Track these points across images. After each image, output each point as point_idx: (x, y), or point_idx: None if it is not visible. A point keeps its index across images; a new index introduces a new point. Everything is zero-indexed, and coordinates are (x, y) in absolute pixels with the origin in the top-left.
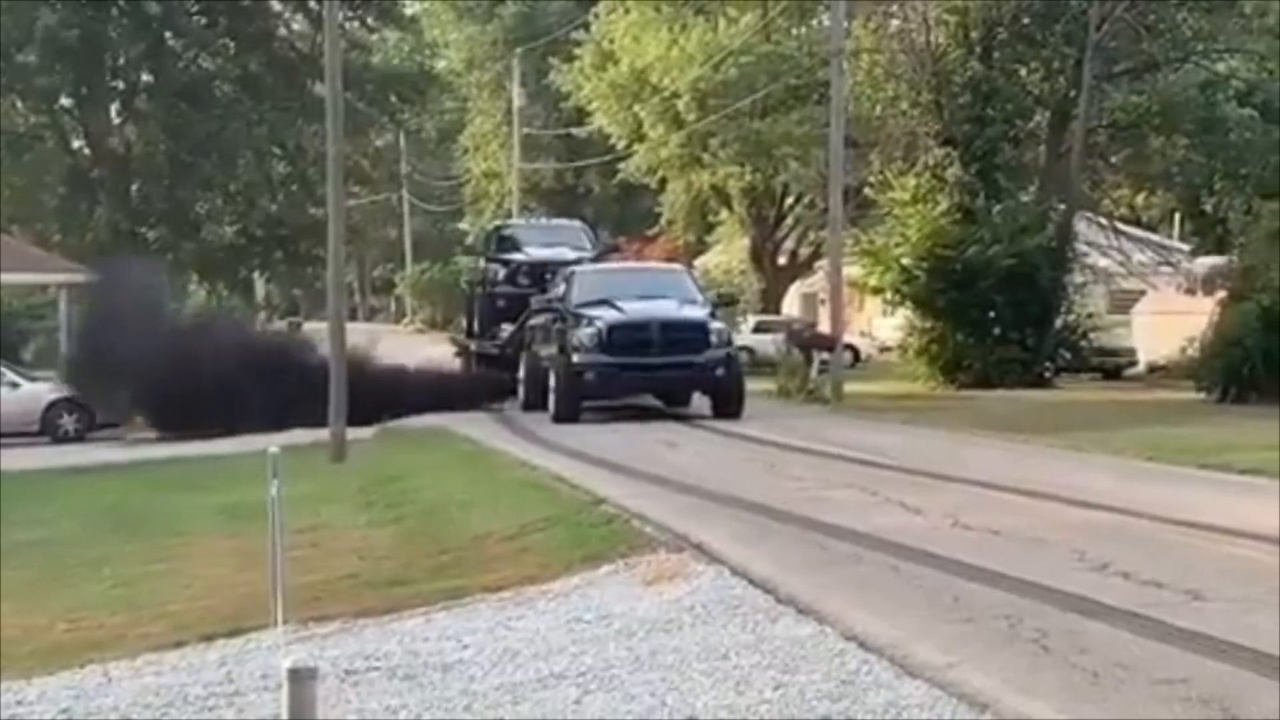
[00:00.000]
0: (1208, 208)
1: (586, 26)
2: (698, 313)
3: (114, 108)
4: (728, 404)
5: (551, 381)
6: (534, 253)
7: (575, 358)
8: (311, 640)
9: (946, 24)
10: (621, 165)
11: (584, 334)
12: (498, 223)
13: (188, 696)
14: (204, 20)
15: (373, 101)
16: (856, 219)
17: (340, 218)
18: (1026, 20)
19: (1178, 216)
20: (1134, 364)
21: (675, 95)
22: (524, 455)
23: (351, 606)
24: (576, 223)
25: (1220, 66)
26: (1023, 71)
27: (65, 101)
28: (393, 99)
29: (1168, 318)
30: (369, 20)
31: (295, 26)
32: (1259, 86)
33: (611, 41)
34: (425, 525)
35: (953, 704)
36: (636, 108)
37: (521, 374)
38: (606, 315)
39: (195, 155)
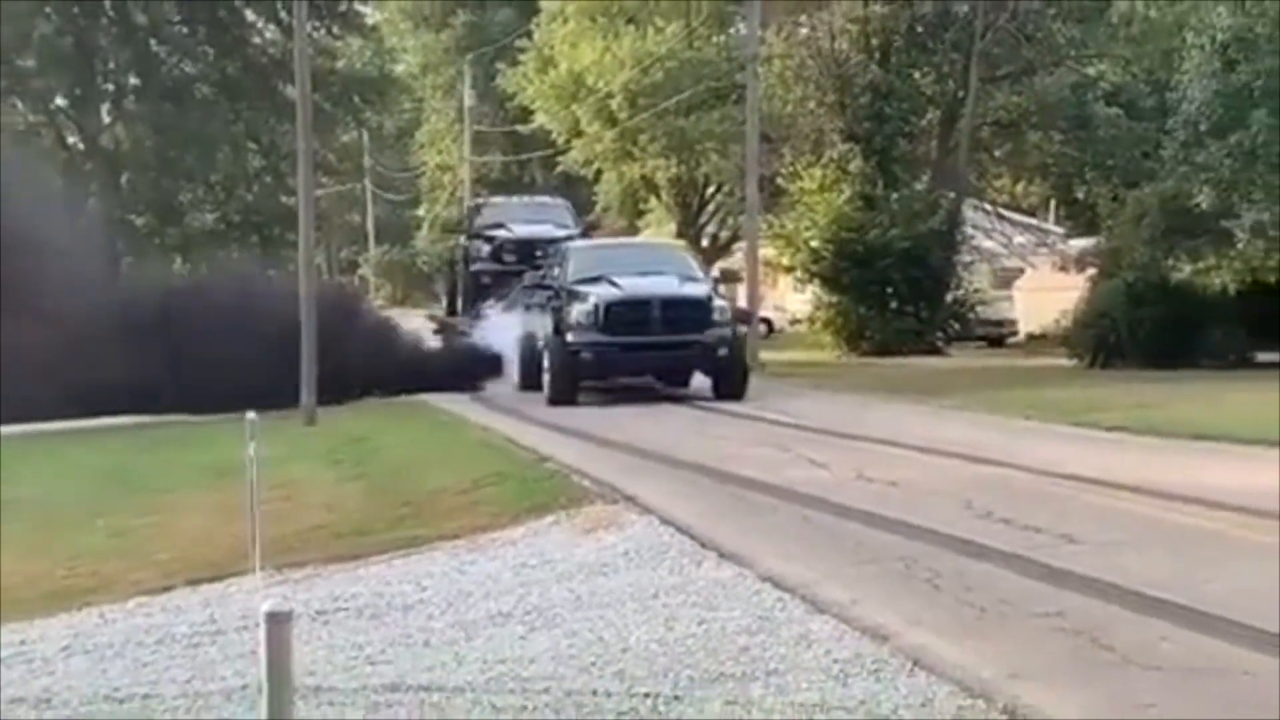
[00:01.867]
0: (1079, 195)
1: (529, 34)
2: (699, 289)
3: (105, 108)
4: (730, 384)
5: (546, 361)
6: (518, 229)
7: (571, 337)
8: (286, 584)
9: (849, 32)
10: (561, 158)
11: (580, 312)
12: (479, 199)
13: (175, 635)
14: (186, 29)
15: (338, 102)
16: (770, 206)
17: (309, 206)
18: (920, 29)
19: (1053, 203)
20: (1015, 334)
21: (609, 96)
22: (484, 420)
23: (321, 554)
24: (560, 200)
25: (1090, 70)
26: (916, 75)
27: (60, 102)
28: (356, 99)
29: (1044, 293)
30: (334, 29)
31: (268, 35)
32: (1124, 88)
33: (552, 48)
34: (388, 481)
35: (856, 636)
36: (574, 107)
37: (515, 354)
38: (603, 292)
39: (179, 150)
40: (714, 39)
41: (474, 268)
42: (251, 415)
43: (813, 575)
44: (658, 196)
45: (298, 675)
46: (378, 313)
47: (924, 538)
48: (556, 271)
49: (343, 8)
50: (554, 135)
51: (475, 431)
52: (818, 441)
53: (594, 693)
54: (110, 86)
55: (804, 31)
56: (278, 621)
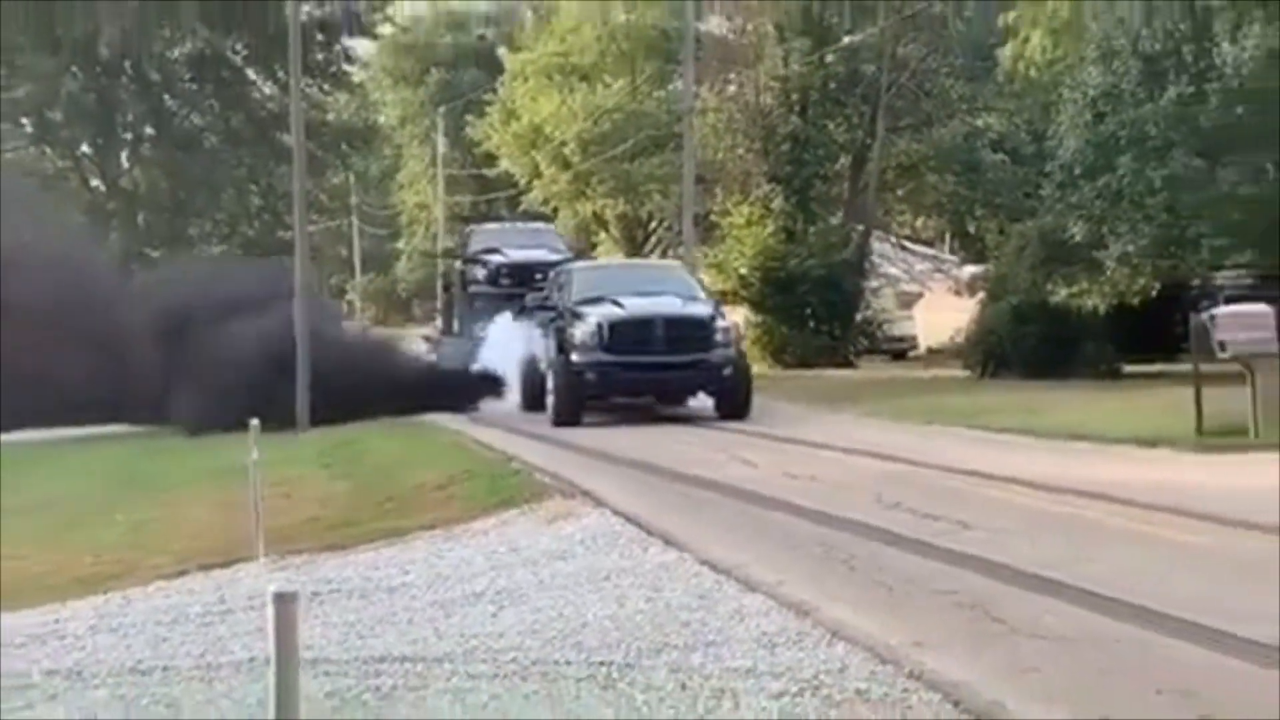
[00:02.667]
0: (971, 229)
1: (494, 90)
2: (703, 309)
3: (124, 154)
4: (734, 404)
5: (550, 382)
6: (513, 253)
7: (574, 356)
8: (286, 570)
9: (772, 89)
10: (523, 198)
11: (584, 332)
12: (473, 226)
13: (189, 614)
14: (195, 86)
15: (328, 149)
16: (705, 239)
17: (304, 239)
18: (833, 85)
19: (948, 235)
20: (915, 348)
21: (564, 143)
22: (460, 427)
23: (316, 543)
24: (549, 226)
25: (979, 122)
26: (830, 125)
27: (85, 149)
28: (343, 147)
29: (941, 313)
30: (324, 86)
31: (267, 91)
32: (1008, 137)
33: (514, 102)
34: (373, 480)
35: (783, 610)
36: (534, 153)
37: (518, 375)
38: (607, 312)
39: (189, 191)
40: (655, 94)
41: (470, 290)
42: (254, 421)
43: (744, 559)
44: (607, 231)
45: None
46: (373, 335)
47: (841, 526)
48: (558, 293)
49: (332, 68)
50: (516, 177)
51: (449, 435)
52: (749, 444)
53: (556, 662)
54: (129, 136)
55: (733, 88)
56: (285, 601)
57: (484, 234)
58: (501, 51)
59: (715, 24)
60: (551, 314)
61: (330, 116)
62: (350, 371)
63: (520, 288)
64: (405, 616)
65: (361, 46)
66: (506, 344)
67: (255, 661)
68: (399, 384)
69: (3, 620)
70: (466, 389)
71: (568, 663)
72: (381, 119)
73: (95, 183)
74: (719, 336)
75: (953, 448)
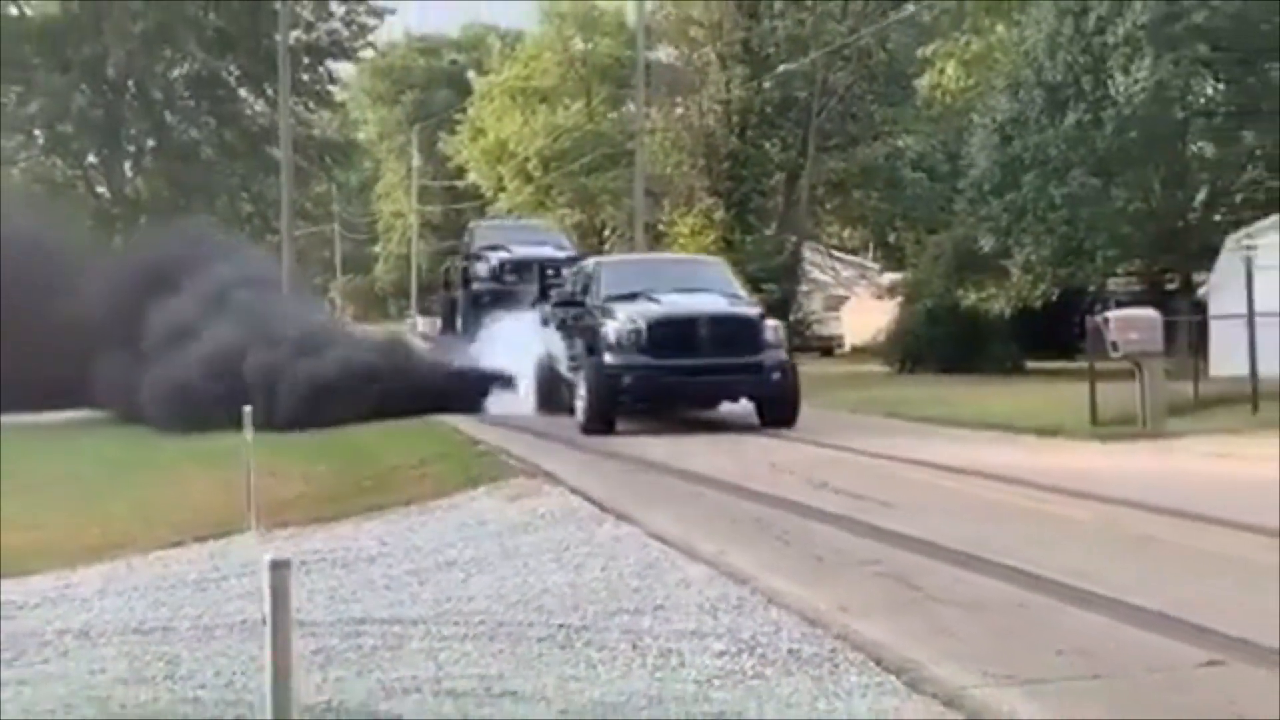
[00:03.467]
0: (892, 239)
1: (464, 110)
2: (750, 308)
3: (128, 165)
4: (782, 411)
5: (581, 387)
6: (519, 250)
7: (609, 358)
8: (274, 541)
9: (715, 111)
10: (489, 207)
11: (620, 331)
12: (475, 222)
13: (187, 580)
14: (193, 103)
15: (313, 161)
16: (653, 247)
17: (291, 243)
18: (769, 109)
19: (872, 245)
20: (842, 346)
21: (526, 159)
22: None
23: (302, 517)
24: (553, 225)
25: (900, 142)
26: (767, 145)
27: (92, 160)
28: (327, 159)
29: (864, 314)
30: (310, 104)
31: (257, 109)
32: (926, 156)
33: (482, 121)
34: (354, 462)
35: (722, 579)
36: (500, 167)
37: (533, 375)
38: (645, 310)
39: (187, 198)
40: (609, 115)
41: (474, 287)
42: (248, 408)
43: (688, 532)
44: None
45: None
46: (378, 335)
47: (776, 504)
48: (584, 289)
49: (317, 88)
50: (483, 189)
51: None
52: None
53: (520, 624)
54: (132, 148)
55: (679, 111)
56: (279, 568)
57: (487, 230)
58: (471, 75)
59: (664, 53)
60: (576, 311)
61: (315, 132)
62: (352, 371)
63: (523, 285)
64: (383, 583)
65: (344, 69)
66: (516, 341)
67: (247, 623)
68: (405, 383)
69: (18, 584)
70: (477, 389)
71: (531, 624)
72: (361, 135)
73: (101, 190)
74: (768, 337)
75: (874, 434)
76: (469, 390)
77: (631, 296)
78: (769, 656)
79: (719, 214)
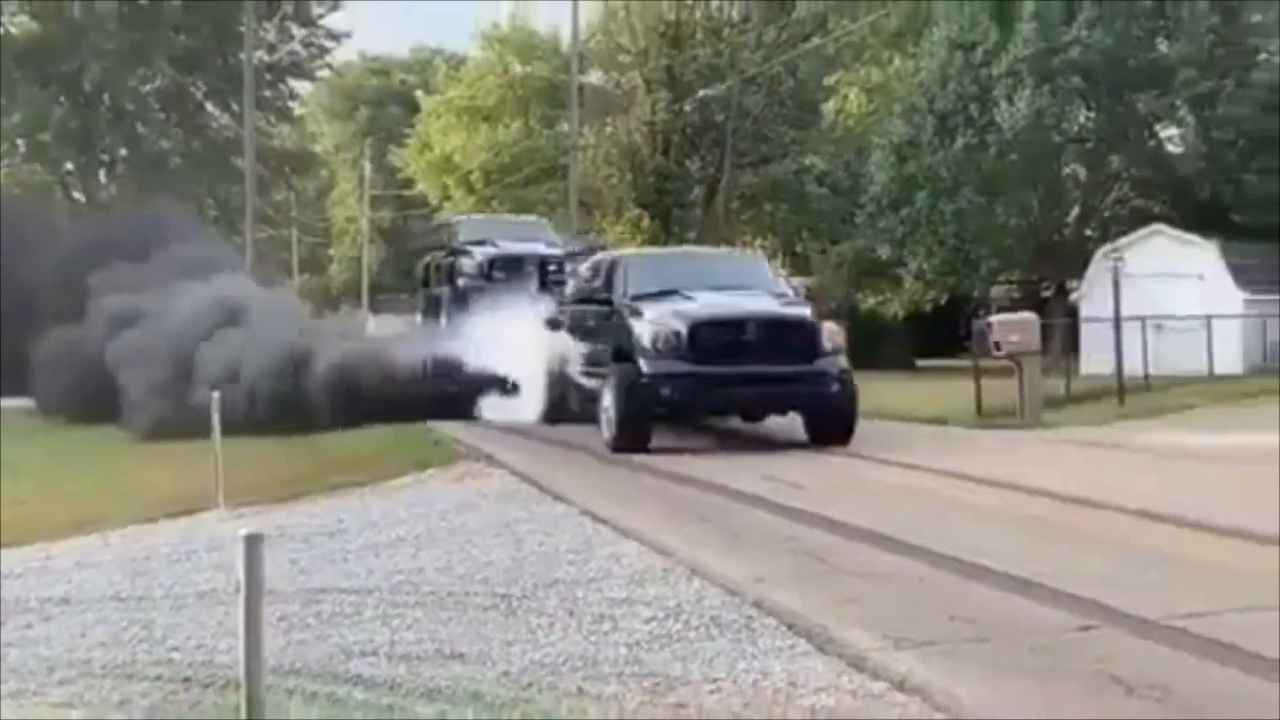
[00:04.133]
0: (798, 249)
1: (413, 126)
2: (802, 309)
3: (102, 172)
4: (838, 427)
5: (606, 396)
6: (508, 245)
7: (646, 365)
8: (240, 519)
9: (642, 131)
10: (435, 216)
11: (656, 335)
12: (458, 216)
13: (159, 553)
14: (163, 116)
15: (273, 170)
16: None
17: (253, 246)
18: (690, 130)
19: (780, 253)
20: None
21: (470, 171)
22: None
23: (265, 496)
24: (543, 220)
25: (806, 161)
26: (688, 162)
27: (69, 167)
28: (286, 169)
29: None
30: (271, 118)
31: (223, 121)
32: (829, 174)
33: (429, 136)
34: (312, 446)
35: (650, 552)
36: (445, 179)
37: (541, 380)
38: (686, 310)
39: (156, 205)
40: (545, 133)
41: (460, 284)
42: (215, 393)
43: (622, 512)
44: None
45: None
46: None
47: (696, 485)
48: (606, 286)
49: (278, 103)
50: (430, 199)
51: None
52: None
53: (465, 593)
54: (106, 157)
55: (609, 130)
56: (253, 541)
57: (472, 225)
58: (419, 94)
59: (595, 77)
60: (597, 310)
61: (275, 143)
62: (335, 373)
63: (512, 281)
64: (341, 556)
65: (302, 87)
66: (510, 342)
67: (216, 592)
68: (392, 386)
69: (3, 555)
70: (472, 393)
71: (475, 594)
72: (318, 147)
73: (77, 194)
74: (825, 343)
75: (786, 425)
76: (462, 394)
77: (662, 295)
78: (692, 622)
79: (645, 223)
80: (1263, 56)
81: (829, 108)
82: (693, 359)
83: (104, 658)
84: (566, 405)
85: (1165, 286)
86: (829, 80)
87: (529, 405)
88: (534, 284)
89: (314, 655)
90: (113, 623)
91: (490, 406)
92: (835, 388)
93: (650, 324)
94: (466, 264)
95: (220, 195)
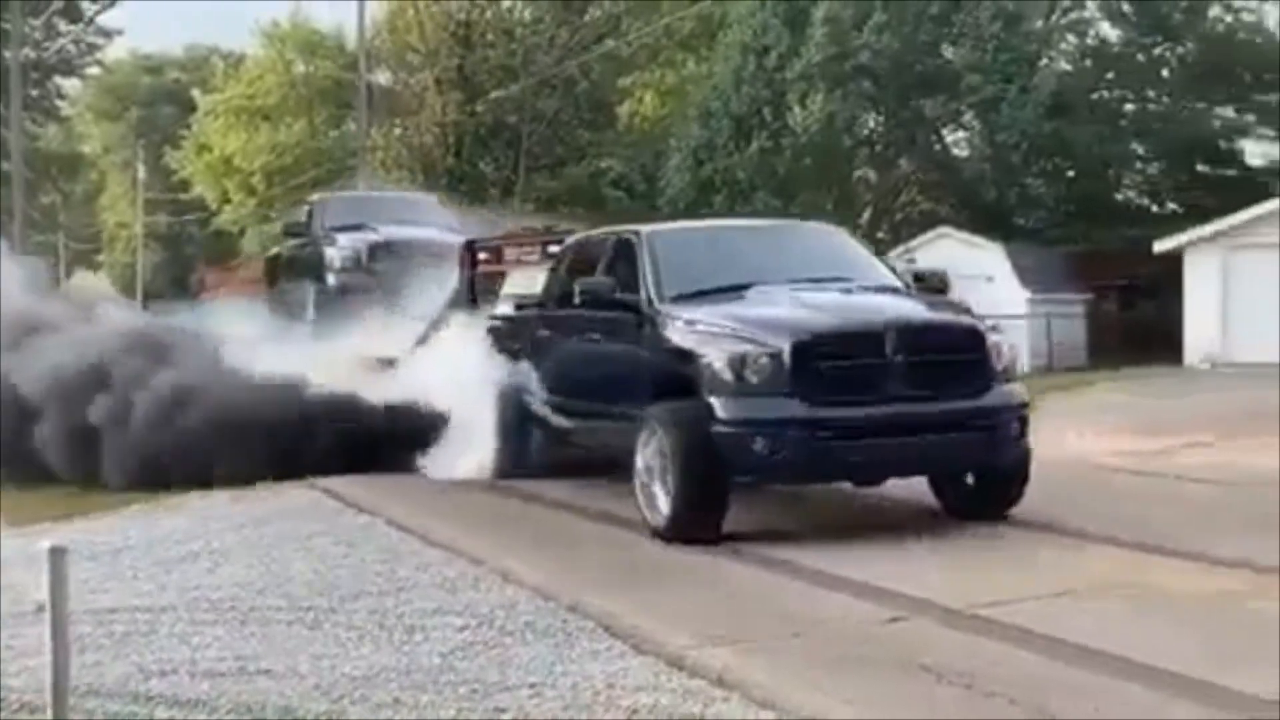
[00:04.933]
0: None
1: (189, 126)
2: (963, 313)
3: None
4: (1002, 491)
5: (645, 456)
6: (389, 231)
7: (721, 406)
8: (26, 536)
9: (433, 132)
10: (215, 219)
11: (742, 357)
12: (319, 195)
13: None
14: None
15: (40, 173)
16: None
17: (23, 252)
18: (483, 131)
19: None
20: None
21: (251, 173)
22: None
23: (50, 513)
24: (432, 196)
25: (603, 164)
26: (481, 164)
27: None
28: (53, 171)
29: None
30: (37, 118)
31: None
32: (626, 176)
33: (207, 136)
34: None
35: (461, 561)
36: (225, 181)
37: (494, 417)
38: (778, 316)
39: None
40: (331, 134)
41: (330, 282)
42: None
43: (426, 522)
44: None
45: (38, 603)
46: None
47: (498, 490)
48: (624, 282)
49: (45, 103)
50: (209, 201)
51: None
52: None
53: (268, 608)
54: None
55: (399, 131)
56: (57, 554)
57: (339, 205)
58: (196, 93)
59: (383, 77)
60: (606, 319)
61: (41, 145)
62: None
63: (396, 276)
64: (130, 574)
65: (70, 85)
66: (424, 362)
67: None
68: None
69: None
70: (409, 438)
71: (279, 608)
72: (86, 148)
73: None
74: (997, 361)
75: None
76: (366, 438)
77: (724, 293)
78: (507, 628)
79: None
80: (1043, 63)
81: (624, 110)
82: (802, 395)
83: None
84: (526, 452)
85: (957, 288)
86: (624, 82)
87: (471, 454)
88: (451, 283)
89: (111, 675)
90: None
91: (421, 455)
92: (1014, 432)
93: (723, 340)
94: (335, 255)
95: None
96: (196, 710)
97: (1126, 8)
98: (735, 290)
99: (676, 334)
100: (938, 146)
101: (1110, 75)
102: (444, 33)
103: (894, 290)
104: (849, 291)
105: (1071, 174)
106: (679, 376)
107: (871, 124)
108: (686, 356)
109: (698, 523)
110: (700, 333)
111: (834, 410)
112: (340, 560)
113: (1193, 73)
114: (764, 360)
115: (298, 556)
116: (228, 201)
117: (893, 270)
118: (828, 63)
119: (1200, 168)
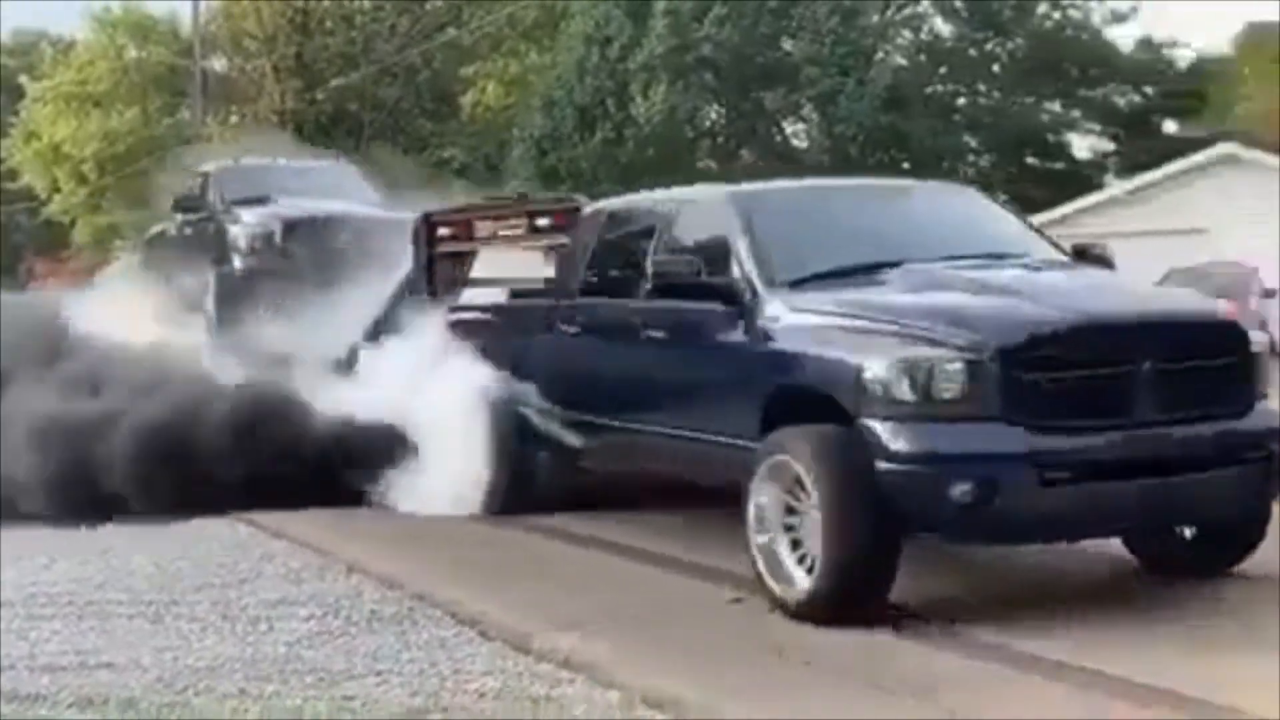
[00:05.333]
0: None
1: (17, 113)
2: (1216, 302)
3: None
4: (1249, 534)
5: (778, 488)
6: (300, 205)
7: (891, 433)
8: None
9: (271, 120)
10: (44, 209)
11: (917, 365)
12: (211, 165)
13: None
14: None
15: None
16: None
17: None
18: (324, 119)
19: None
20: None
21: (82, 161)
22: None
23: None
24: (346, 164)
25: (446, 154)
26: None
27: None
28: None
29: None
30: None
31: None
32: (470, 166)
33: (35, 124)
34: None
35: (308, 552)
36: (54, 169)
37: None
38: (965, 306)
39: None
40: (165, 121)
41: (238, 265)
42: None
43: (277, 519)
44: (124, 239)
45: None
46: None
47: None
48: (692, 259)
49: None
50: (37, 191)
51: None
52: None
53: (108, 602)
54: None
55: (235, 119)
56: None
57: (240, 175)
58: (23, 79)
59: (219, 64)
60: (675, 312)
61: None
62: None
63: (314, 257)
64: None
65: None
66: (368, 368)
67: None
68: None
69: None
70: (361, 461)
71: (120, 603)
72: None
73: None
74: (1256, 364)
75: None
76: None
77: (862, 274)
78: (353, 618)
79: None
80: (879, 57)
81: (467, 100)
82: (1017, 417)
83: None
84: (529, 482)
85: None
86: (466, 72)
87: (455, 483)
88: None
89: None
90: None
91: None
92: (1270, 457)
93: (882, 339)
94: (243, 236)
95: None
96: (37, 705)
97: (959, 4)
98: (875, 270)
99: (799, 331)
100: (778, 138)
101: (943, 70)
102: (281, 19)
103: (1078, 269)
104: (1036, 269)
105: (907, 165)
106: (806, 390)
107: (713, 115)
108: (819, 363)
109: (856, 597)
110: (841, 329)
111: (1068, 439)
112: (185, 554)
113: (1022, 68)
114: (956, 367)
115: (137, 552)
116: (57, 190)
117: (1053, 243)
118: (669, 54)
119: (1029, 160)
